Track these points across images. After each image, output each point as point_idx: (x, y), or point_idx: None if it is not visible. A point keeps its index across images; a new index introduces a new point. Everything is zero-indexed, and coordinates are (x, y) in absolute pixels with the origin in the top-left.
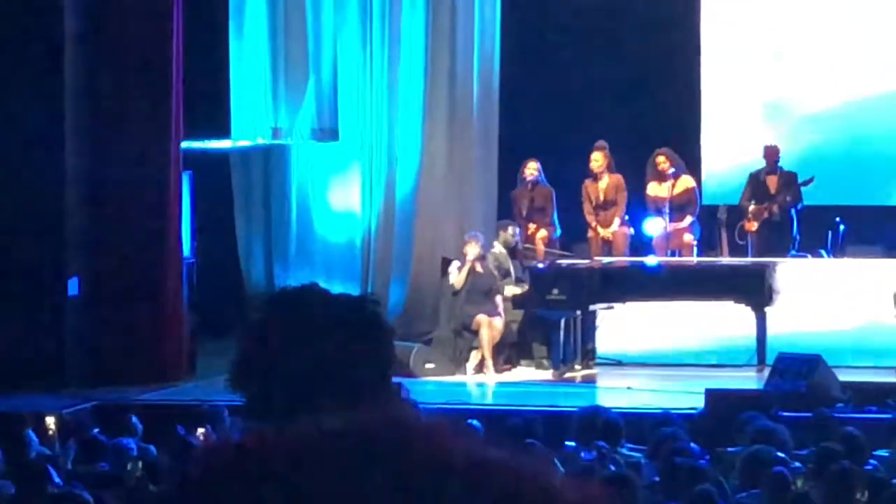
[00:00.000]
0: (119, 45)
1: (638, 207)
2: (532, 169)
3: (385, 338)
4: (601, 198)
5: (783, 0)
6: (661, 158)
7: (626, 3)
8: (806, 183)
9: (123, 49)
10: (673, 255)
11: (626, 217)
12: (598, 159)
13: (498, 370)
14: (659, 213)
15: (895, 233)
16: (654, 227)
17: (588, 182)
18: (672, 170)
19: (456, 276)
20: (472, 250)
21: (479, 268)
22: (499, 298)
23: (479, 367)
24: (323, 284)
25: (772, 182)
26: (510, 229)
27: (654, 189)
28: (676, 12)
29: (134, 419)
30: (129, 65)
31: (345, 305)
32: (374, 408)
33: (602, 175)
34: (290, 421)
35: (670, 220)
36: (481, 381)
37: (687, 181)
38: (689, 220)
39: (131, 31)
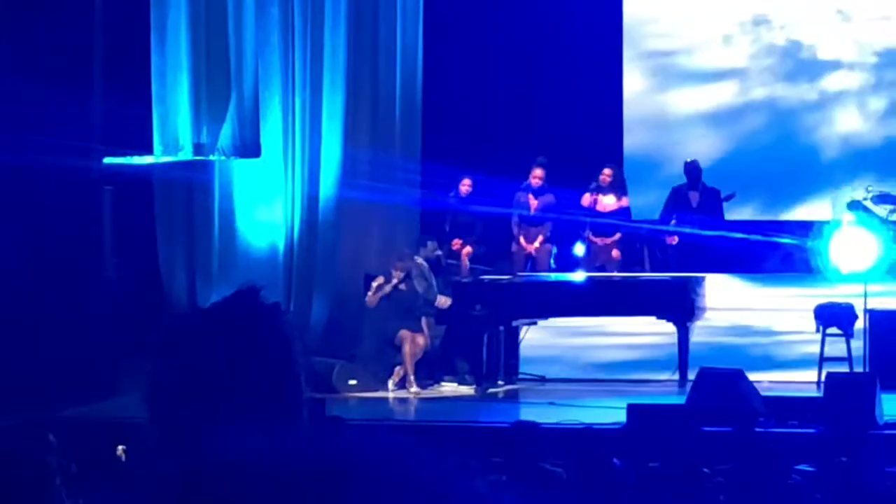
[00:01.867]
0: (40, 62)
1: (565, 225)
2: (466, 186)
3: (281, 344)
4: (531, 212)
5: (702, 20)
6: (606, 171)
7: (550, 20)
8: (727, 198)
9: (45, 66)
10: (600, 270)
11: (549, 235)
12: (539, 175)
13: (420, 386)
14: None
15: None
16: (582, 249)
17: (522, 194)
18: (609, 185)
19: (370, 297)
20: (398, 275)
21: (402, 286)
22: (423, 317)
23: (402, 383)
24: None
25: (694, 197)
26: (429, 245)
27: (587, 199)
28: (601, 25)
29: (55, 436)
30: (50, 82)
31: (235, 314)
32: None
33: (540, 191)
34: (195, 440)
35: (598, 236)
36: (404, 397)
37: (623, 202)
38: (618, 236)
39: (53, 47)
